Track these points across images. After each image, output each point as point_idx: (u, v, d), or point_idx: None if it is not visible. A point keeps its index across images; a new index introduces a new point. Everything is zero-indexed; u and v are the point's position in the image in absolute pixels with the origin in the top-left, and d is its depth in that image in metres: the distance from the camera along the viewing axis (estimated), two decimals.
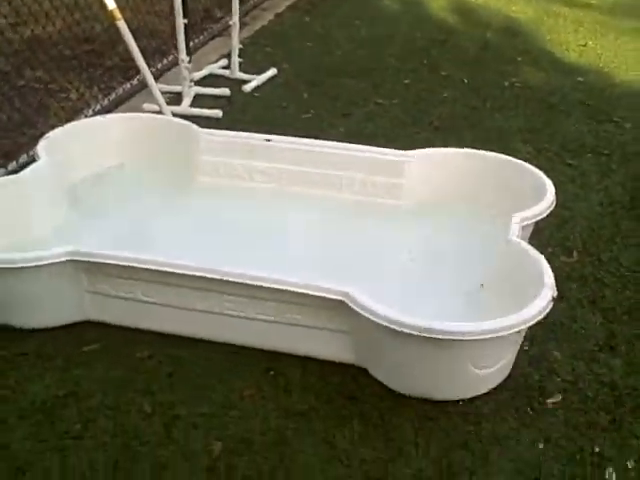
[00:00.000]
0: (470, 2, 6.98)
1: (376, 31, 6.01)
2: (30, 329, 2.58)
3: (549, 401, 2.37)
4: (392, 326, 2.17)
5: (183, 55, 4.30)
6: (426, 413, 2.31)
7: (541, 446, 2.20)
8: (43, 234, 2.90)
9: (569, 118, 4.42)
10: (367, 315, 2.22)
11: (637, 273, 2.99)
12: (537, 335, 2.59)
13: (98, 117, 3.57)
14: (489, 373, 2.34)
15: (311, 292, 2.32)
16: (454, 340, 2.16)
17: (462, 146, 3.32)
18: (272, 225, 3.11)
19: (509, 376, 2.43)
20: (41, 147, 3.06)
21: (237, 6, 4.69)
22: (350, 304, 2.27)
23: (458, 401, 2.34)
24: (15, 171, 3.30)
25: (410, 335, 2.16)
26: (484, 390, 2.38)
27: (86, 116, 4.00)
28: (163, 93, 4.50)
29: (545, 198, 2.83)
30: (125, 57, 4.63)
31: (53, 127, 3.35)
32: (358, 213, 3.16)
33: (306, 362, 2.48)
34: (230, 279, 2.38)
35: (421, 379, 2.36)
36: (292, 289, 2.33)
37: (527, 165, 3.08)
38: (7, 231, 2.78)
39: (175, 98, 4.47)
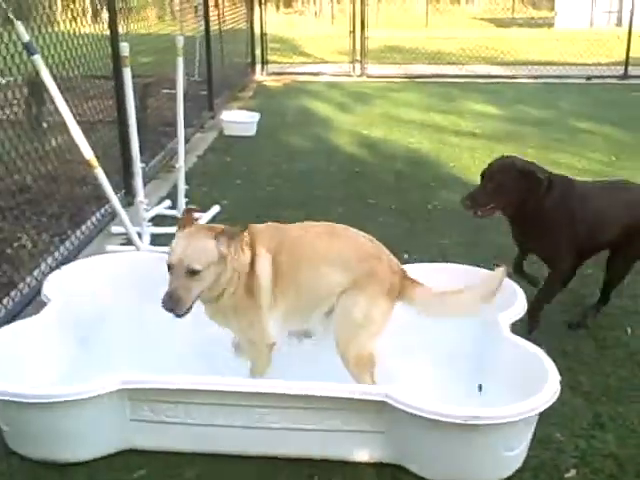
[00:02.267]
0: (370, 137, 7.66)
1: (296, 166, 6.49)
2: (75, 462, 2.64)
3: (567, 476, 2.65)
4: (438, 417, 2.43)
5: (141, 197, 4.52)
6: None
7: None
8: (57, 374, 2.99)
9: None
10: (412, 411, 2.46)
11: None
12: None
13: (93, 257, 3.70)
14: (515, 455, 2.61)
15: (355, 396, 2.54)
16: (491, 425, 2.44)
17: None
18: None
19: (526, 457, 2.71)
20: (46, 288, 3.17)
21: (182, 150, 5.01)
22: (394, 403, 2.50)
23: None
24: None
25: (453, 424, 2.42)
26: (510, 472, 2.64)
27: (49, 264, 4.07)
28: (119, 235, 4.69)
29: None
30: (62, 204, 4.87)
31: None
32: None
33: (343, 465, 2.66)
34: (276, 391, 2.57)
35: (456, 465, 2.60)
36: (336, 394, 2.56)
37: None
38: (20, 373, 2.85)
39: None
